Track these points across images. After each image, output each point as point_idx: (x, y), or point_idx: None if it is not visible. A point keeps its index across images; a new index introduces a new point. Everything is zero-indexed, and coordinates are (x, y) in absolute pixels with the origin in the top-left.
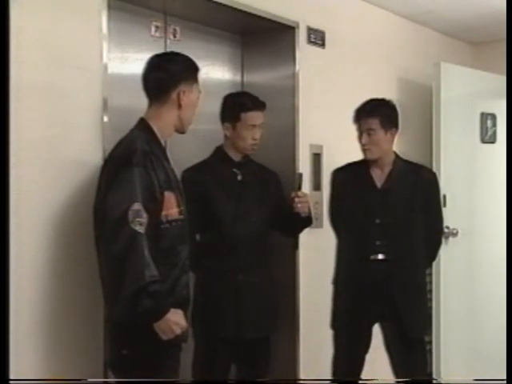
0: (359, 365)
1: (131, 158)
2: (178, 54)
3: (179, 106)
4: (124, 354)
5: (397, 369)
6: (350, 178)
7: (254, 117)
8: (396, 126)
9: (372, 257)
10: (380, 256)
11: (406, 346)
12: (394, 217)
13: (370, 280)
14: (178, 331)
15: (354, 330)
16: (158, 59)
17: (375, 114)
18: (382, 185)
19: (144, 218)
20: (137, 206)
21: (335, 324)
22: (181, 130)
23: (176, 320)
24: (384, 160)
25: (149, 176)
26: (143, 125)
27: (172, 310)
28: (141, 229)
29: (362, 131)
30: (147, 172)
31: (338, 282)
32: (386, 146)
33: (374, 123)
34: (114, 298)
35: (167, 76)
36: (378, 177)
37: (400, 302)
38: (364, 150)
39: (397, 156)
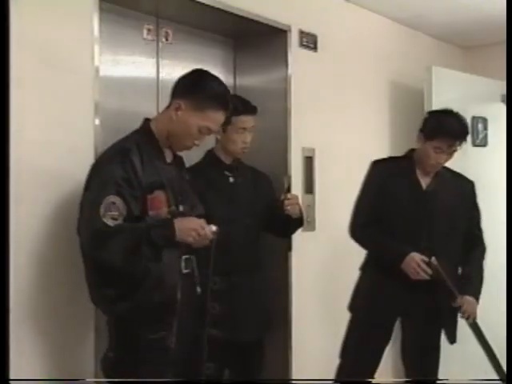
0: (375, 360)
1: (109, 156)
2: (213, 77)
3: (170, 119)
4: (109, 356)
5: (413, 372)
6: (393, 173)
7: (245, 120)
8: None
9: None
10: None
11: (427, 350)
12: (440, 220)
13: (409, 281)
14: (197, 236)
15: (375, 323)
16: (202, 72)
17: (466, 138)
18: (428, 186)
19: (116, 213)
20: (111, 199)
21: (354, 305)
22: (169, 144)
23: (192, 226)
24: None
25: (126, 173)
26: (142, 125)
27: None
28: (112, 223)
29: (444, 150)
30: (125, 169)
31: (366, 269)
32: None
33: (458, 144)
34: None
35: (176, 84)
36: (423, 178)
37: (438, 306)
38: (432, 166)
39: None
